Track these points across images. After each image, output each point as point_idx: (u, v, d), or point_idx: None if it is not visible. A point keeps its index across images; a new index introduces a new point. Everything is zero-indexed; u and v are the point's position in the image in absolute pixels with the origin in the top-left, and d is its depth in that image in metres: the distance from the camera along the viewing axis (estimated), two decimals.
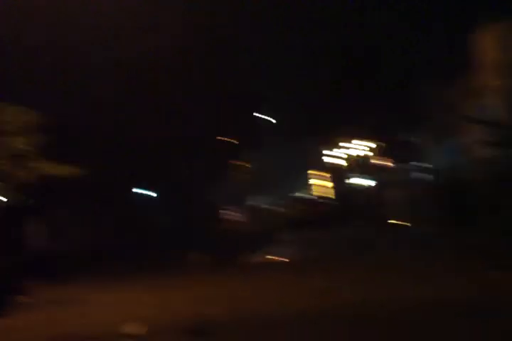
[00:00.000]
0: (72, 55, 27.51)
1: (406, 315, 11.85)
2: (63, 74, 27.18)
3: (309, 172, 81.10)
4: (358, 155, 56.73)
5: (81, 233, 32.86)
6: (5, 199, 25.22)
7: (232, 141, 56.19)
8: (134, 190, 49.19)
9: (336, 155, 63.73)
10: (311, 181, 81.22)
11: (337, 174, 65.57)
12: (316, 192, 74.51)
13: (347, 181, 58.63)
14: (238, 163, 78.56)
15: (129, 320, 12.96)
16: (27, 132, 17.95)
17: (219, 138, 53.56)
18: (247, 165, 79.95)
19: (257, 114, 54.56)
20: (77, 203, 32.39)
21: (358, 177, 56.59)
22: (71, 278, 21.85)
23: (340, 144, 59.44)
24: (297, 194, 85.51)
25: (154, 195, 50.25)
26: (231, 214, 78.49)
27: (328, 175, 73.31)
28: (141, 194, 50.21)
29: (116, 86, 31.36)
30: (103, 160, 31.23)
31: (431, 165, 35.48)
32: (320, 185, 76.87)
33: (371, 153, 53.41)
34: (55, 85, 26.96)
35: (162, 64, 33.39)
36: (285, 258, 25.46)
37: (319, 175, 77.19)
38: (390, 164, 48.59)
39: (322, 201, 59.64)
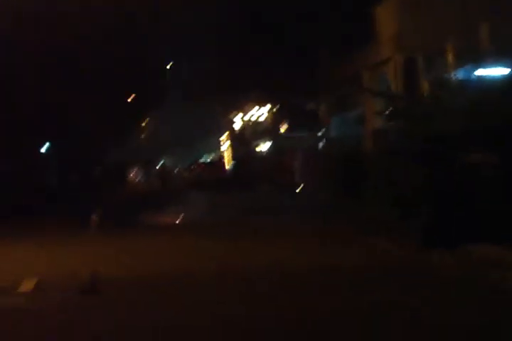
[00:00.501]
0: None
1: (284, 280, 12.31)
2: None
3: (221, 138, 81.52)
4: (255, 120, 57.25)
5: None
6: None
7: (135, 100, 56.01)
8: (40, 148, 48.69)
9: (237, 120, 64.27)
10: (222, 147, 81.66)
11: (238, 139, 66.19)
12: (224, 157, 75.17)
13: (248, 146, 59.27)
14: (143, 123, 78.34)
15: (20, 276, 13.15)
16: None
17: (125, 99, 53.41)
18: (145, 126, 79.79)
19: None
20: None
21: (258, 142, 57.21)
22: None
23: (239, 108, 59.93)
24: (203, 158, 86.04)
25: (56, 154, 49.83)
26: (136, 176, 78.52)
27: (231, 140, 73.94)
28: (45, 153, 49.67)
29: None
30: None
31: (327, 135, 36.08)
32: (226, 150, 77.43)
33: (267, 118, 53.99)
34: None
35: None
36: (180, 220, 25.73)
37: (226, 140, 77.69)
38: (283, 130, 49.22)
39: (223, 166, 60.13)
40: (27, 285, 12.35)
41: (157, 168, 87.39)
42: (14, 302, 11.38)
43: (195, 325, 9.28)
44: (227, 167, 62.46)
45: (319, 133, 38.57)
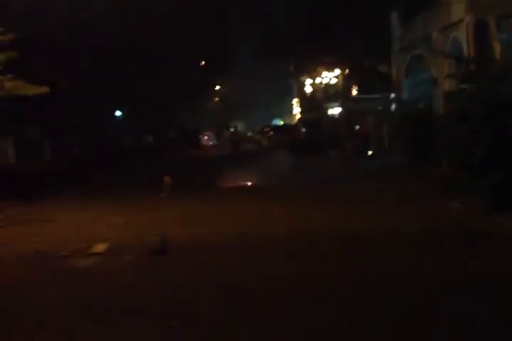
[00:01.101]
0: None
1: (357, 243, 12.39)
2: None
3: (293, 101, 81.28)
4: (326, 83, 56.87)
5: (52, 153, 33.15)
6: None
7: (206, 65, 56.29)
8: (115, 114, 49.55)
9: (308, 83, 64.04)
10: (294, 111, 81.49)
11: (309, 102, 66.03)
12: (296, 120, 75.04)
13: (319, 110, 59.00)
14: (216, 87, 78.71)
15: (93, 239, 13.58)
16: None
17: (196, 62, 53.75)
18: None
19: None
20: (48, 123, 32.55)
21: (329, 105, 56.93)
22: (42, 197, 22.34)
23: (311, 71, 59.63)
24: (275, 121, 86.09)
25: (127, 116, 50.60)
26: (209, 140, 79.19)
27: (302, 104, 73.77)
28: (116, 116, 50.53)
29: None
30: (73, 80, 31.27)
31: (399, 97, 35.73)
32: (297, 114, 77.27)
33: (338, 81, 53.57)
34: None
35: None
36: (254, 183, 25.87)
37: (298, 103, 77.53)
38: (355, 92, 48.79)
39: (299, 129, 60.02)
40: (99, 247, 12.77)
41: (230, 131, 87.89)
42: (87, 262, 11.82)
43: (256, 287, 9.47)
44: (299, 130, 62.27)
45: (391, 96, 38.20)
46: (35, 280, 10.70)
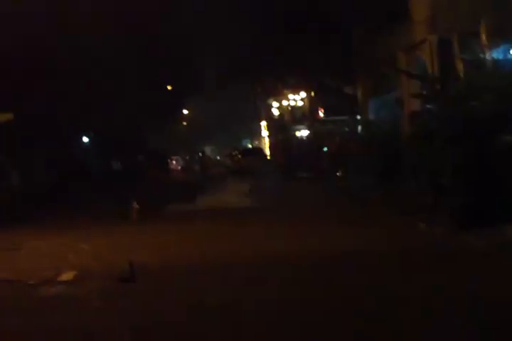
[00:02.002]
0: None
1: (324, 264, 12.38)
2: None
3: (261, 124, 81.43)
4: (292, 105, 57.10)
5: (20, 178, 32.88)
6: None
7: (169, 88, 56.30)
8: (81, 139, 49.33)
9: (275, 106, 64.27)
10: (262, 133, 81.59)
11: (277, 125, 66.21)
12: (263, 144, 75.22)
13: (286, 132, 59.16)
14: (184, 111, 78.67)
15: (61, 266, 13.43)
16: None
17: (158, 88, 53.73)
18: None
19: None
20: (16, 149, 32.32)
21: (295, 128, 57.12)
22: (9, 225, 22.09)
23: (277, 94, 59.85)
24: (244, 144, 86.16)
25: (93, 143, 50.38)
26: (177, 164, 79.13)
27: (269, 126, 73.94)
28: (82, 141, 50.29)
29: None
30: (39, 107, 31.11)
31: (365, 118, 35.92)
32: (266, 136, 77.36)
33: (305, 103, 53.80)
34: None
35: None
36: (220, 206, 25.82)
37: (265, 126, 77.67)
38: (321, 114, 49.00)
39: (263, 152, 60.19)
40: (67, 275, 12.63)
41: (199, 155, 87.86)
42: (55, 290, 11.67)
43: (231, 310, 9.42)
44: (267, 153, 62.45)
45: (357, 117, 38.43)
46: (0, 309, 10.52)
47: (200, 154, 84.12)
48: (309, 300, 9.74)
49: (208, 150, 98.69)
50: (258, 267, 12.50)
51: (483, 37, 21.76)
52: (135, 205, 23.01)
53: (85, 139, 50.76)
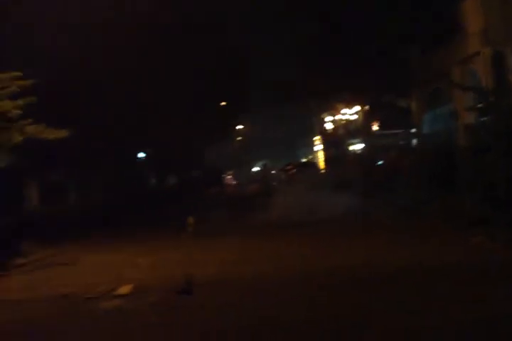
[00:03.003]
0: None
1: (386, 278, 12.27)
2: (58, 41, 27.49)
3: (314, 138, 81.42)
4: (347, 120, 57.02)
5: (77, 195, 33.34)
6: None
7: (226, 105, 56.64)
8: (136, 154, 49.81)
9: (328, 120, 64.31)
10: (316, 148, 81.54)
11: (331, 139, 66.18)
12: (319, 158, 75.06)
13: (341, 146, 59.16)
14: (238, 127, 79.11)
15: (118, 281, 13.61)
16: (16, 96, 18.31)
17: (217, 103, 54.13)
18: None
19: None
20: (72, 166, 32.79)
21: (350, 142, 57.04)
22: (66, 239, 22.45)
23: (331, 109, 59.91)
24: (298, 158, 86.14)
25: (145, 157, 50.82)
26: (233, 179, 79.44)
27: (323, 141, 73.88)
28: (138, 158, 50.78)
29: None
30: (95, 124, 31.54)
31: (419, 131, 35.74)
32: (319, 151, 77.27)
33: (358, 117, 53.66)
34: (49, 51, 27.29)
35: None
36: (278, 220, 25.81)
37: (319, 140, 77.60)
38: (376, 128, 48.80)
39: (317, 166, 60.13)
40: (124, 289, 12.81)
41: (253, 170, 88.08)
42: (112, 304, 11.86)
43: (289, 322, 9.44)
44: (321, 167, 62.38)
45: (412, 130, 38.25)
46: (59, 323, 10.72)
47: (261, 167, 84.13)
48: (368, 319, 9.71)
49: (262, 164, 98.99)
50: (314, 283, 12.44)
51: None
52: (191, 220, 23.16)
53: (142, 155, 51.23)
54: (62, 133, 18.82)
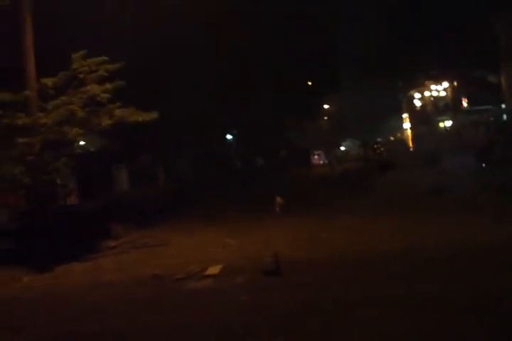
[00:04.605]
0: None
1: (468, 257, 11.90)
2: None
3: (403, 116, 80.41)
4: (434, 96, 56.07)
5: (166, 177, 33.68)
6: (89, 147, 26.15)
7: (310, 83, 56.34)
8: (225, 135, 50.10)
9: (417, 97, 63.37)
10: (404, 125, 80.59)
11: (419, 116, 65.26)
12: (407, 136, 74.12)
13: (432, 124, 58.27)
14: (325, 106, 78.77)
15: (207, 261, 13.68)
16: (105, 80, 18.51)
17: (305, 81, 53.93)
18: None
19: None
20: (161, 149, 33.16)
21: (440, 119, 56.17)
22: (156, 221, 22.74)
23: (419, 86, 58.96)
24: (385, 137, 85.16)
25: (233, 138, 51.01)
26: (319, 159, 79.19)
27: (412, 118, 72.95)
28: (226, 139, 51.05)
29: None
30: (182, 106, 31.76)
31: (510, 106, 34.92)
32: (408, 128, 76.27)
33: (447, 94, 52.69)
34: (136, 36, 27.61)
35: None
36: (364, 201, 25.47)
37: (407, 118, 76.67)
38: (465, 104, 47.87)
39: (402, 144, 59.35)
40: (214, 269, 12.87)
41: (341, 149, 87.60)
42: (202, 284, 11.93)
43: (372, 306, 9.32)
44: (409, 145, 61.64)
45: (503, 106, 37.41)
46: (150, 304, 10.83)
47: (343, 148, 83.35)
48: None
49: (349, 143, 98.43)
50: (405, 261, 12.22)
51: None
52: (279, 200, 23.21)
53: (229, 137, 51.49)
54: (152, 116, 18.96)
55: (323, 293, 10.17)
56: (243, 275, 12.05)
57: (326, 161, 77.25)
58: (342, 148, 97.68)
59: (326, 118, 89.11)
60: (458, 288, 9.65)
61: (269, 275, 11.70)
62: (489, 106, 40.95)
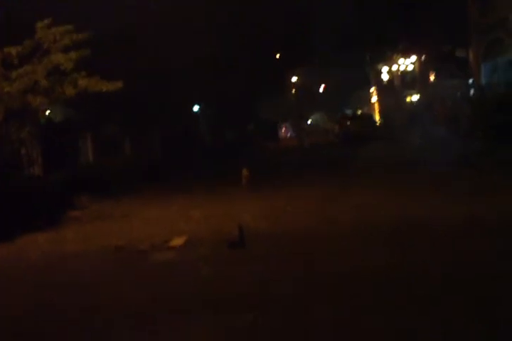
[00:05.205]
0: None
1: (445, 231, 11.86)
2: None
3: (370, 90, 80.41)
4: (403, 70, 56.13)
5: (132, 149, 33.47)
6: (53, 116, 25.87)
7: (282, 56, 56.14)
8: (192, 109, 49.77)
9: (384, 71, 63.38)
10: (373, 99, 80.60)
11: (386, 91, 65.33)
12: (374, 110, 74.23)
13: (397, 98, 58.40)
14: (293, 79, 78.58)
15: (171, 233, 13.62)
16: (69, 49, 18.31)
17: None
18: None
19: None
20: (127, 120, 32.90)
21: (407, 93, 56.28)
22: (121, 193, 22.59)
23: (387, 60, 58.95)
24: (351, 111, 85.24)
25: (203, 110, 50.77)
26: (286, 132, 79.19)
27: (379, 92, 73.03)
28: (193, 112, 50.76)
29: None
30: (150, 76, 31.49)
31: (477, 81, 35.04)
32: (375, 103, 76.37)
33: (415, 68, 52.77)
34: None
35: None
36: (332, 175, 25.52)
37: (375, 92, 76.70)
38: (433, 78, 47.97)
39: (368, 118, 59.38)
40: (177, 241, 12.80)
41: (308, 123, 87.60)
42: (165, 256, 11.86)
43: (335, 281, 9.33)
44: (376, 119, 61.72)
45: (469, 81, 37.53)
46: (110, 276, 10.77)
47: (309, 122, 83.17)
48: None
49: (317, 117, 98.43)
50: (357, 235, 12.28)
51: None
52: (245, 172, 23.18)
53: (196, 109, 51.19)
54: (116, 85, 18.80)
55: (284, 268, 10.14)
56: (207, 248, 11.99)
57: (294, 134, 77.37)
58: (309, 121, 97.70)
59: (294, 90, 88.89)
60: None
61: (234, 247, 11.66)
62: (457, 81, 41.10)
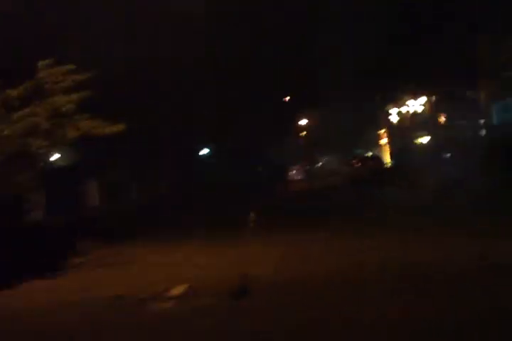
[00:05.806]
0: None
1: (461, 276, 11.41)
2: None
3: (379, 132, 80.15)
4: (413, 112, 55.87)
5: (135, 193, 33.18)
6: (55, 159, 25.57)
7: (291, 100, 56.10)
8: (199, 151, 49.59)
9: (394, 113, 63.15)
10: (382, 141, 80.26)
11: (396, 132, 65.02)
12: (384, 152, 73.83)
13: (406, 139, 57.98)
14: (301, 122, 78.63)
15: (173, 281, 13.11)
16: (71, 91, 18.04)
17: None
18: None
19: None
20: (133, 165, 32.66)
21: (417, 134, 55.93)
22: (124, 238, 22.14)
23: (396, 101, 58.73)
24: (361, 152, 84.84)
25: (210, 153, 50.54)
26: (297, 174, 78.79)
27: (389, 134, 72.74)
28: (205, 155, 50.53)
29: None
30: (153, 118, 31.34)
31: (488, 122, 34.70)
32: (385, 144, 76.03)
33: (425, 109, 52.55)
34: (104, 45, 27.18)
35: None
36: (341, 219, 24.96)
37: (384, 133, 76.41)
38: (443, 119, 47.69)
39: (378, 160, 58.95)
40: (178, 290, 12.30)
41: (318, 165, 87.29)
42: (164, 306, 11.34)
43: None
44: (384, 161, 61.25)
45: (480, 121, 37.19)
46: (110, 325, 10.29)
47: (320, 164, 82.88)
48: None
49: (327, 159, 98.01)
50: (377, 281, 11.70)
51: None
52: (252, 216, 22.65)
53: (206, 151, 51.01)
54: (119, 128, 18.46)
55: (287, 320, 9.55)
56: (208, 298, 11.43)
57: (304, 176, 76.99)
58: (319, 164, 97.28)
59: (303, 133, 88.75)
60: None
61: (236, 297, 11.08)
62: (467, 122, 40.81)
